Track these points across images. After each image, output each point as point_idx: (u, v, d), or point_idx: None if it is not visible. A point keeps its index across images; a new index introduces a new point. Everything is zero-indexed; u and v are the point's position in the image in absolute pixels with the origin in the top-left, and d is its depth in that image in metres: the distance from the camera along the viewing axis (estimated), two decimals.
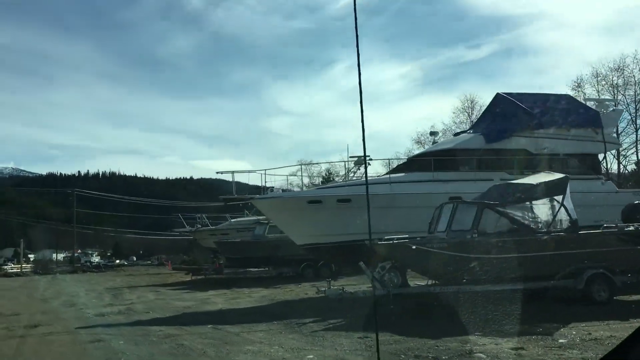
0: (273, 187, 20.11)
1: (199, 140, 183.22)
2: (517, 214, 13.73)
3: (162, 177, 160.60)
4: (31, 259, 69.36)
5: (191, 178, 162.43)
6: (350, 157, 31.18)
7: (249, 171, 19.36)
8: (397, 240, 14.03)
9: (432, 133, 20.90)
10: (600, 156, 20.80)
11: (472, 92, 53.74)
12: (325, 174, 51.14)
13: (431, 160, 19.09)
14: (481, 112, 43.00)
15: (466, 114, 42.06)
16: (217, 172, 19.16)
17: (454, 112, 43.96)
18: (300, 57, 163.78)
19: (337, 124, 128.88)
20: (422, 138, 44.15)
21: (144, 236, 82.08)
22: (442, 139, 38.50)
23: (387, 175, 18.99)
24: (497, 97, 21.05)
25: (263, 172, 19.21)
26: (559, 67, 74.45)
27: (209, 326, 13.52)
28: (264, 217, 33.13)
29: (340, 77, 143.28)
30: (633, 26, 65.76)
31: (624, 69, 35.66)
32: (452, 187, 18.53)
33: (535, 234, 13.64)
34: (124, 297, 23.33)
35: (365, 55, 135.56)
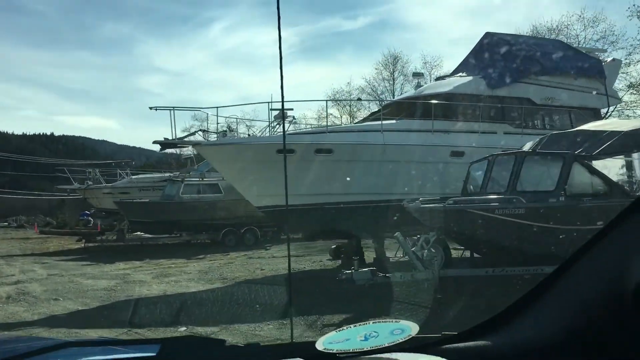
0: (226, 130, 15.01)
1: (62, 94, 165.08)
2: (609, 171, 10.07)
3: (18, 132, 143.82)
4: None
5: (52, 134, 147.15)
6: (272, 109, 26.83)
7: (196, 108, 14.14)
8: (449, 203, 9.86)
9: (416, 74, 16.70)
10: (602, 112, 17.87)
11: (395, 48, 48.80)
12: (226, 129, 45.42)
13: (425, 106, 14.95)
14: (405, 68, 39.70)
15: (388, 71, 38.69)
16: (151, 108, 13.73)
17: (376, 68, 40.32)
18: (176, 14, 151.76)
19: (213, 86, 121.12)
20: (338, 95, 40.14)
21: (4, 195, 71.05)
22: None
23: (378, 122, 14.58)
24: (488, 36, 17.34)
25: (214, 109, 14.13)
26: (427, 43, 73.90)
27: (182, 329, 8.58)
28: (176, 173, 27.57)
29: (218, 38, 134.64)
30: (493, 9, 67.10)
31: (565, 29, 33.39)
32: (454, 140, 14.61)
33: (629, 198, 10.06)
34: (2, 273, 17.17)
35: (243, 17, 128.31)
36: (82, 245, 25.31)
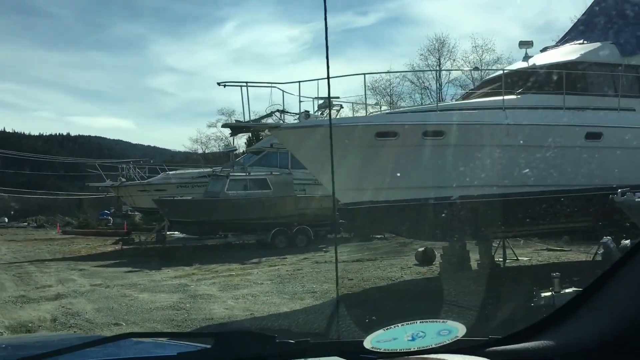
0: (307, 111, 12.22)
1: (77, 95, 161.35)
2: None
3: (34, 132, 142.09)
4: None
5: (68, 134, 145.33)
6: (315, 97, 24.36)
7: (269, 84, 11.34)
8: None
9: (524, 43, 13.70)
10: None
11: (441, 33, 43.75)
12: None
13: (545, 79, 12.05)
14: (452, 54, 36.31)
15: (435, 57, 35.51)
16: (219, 83, 10.95)
17: (421, 54, 36.81)
18: (188, 13, 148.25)
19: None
20: (377, 84, 36.81)
21: (23, 195, 68.82)
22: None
23: (495, 98, 11.68)
24: None
25: (295, 84, 11.33)
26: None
27: None
28: (219, 168, 24.81)
29: (230, 37, 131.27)
30: (505, 3, 64.77)
31: None
32: (590, 119, 11.72)
33: None
34: (37, 282, 14.52)
35: (255, 16, 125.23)
36: (119, 247, 22.55)
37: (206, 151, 48.84)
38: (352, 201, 11.69)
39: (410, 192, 11.22)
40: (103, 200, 49.66)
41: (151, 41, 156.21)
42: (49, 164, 79.34)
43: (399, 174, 11.08)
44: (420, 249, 14.61)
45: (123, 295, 12.02)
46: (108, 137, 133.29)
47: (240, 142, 48.78)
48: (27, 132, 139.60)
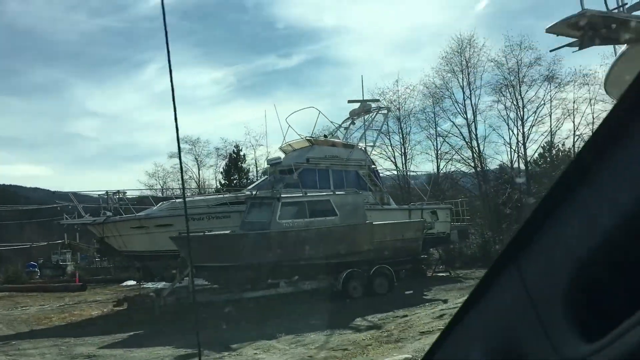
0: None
1: None
2: None
3: None
4: None
5: None
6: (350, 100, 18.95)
7: None
8: None
9: None
10: None
11: (467, 33, 35.80)
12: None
13: None
14: (480, 54, 30.45)
15: (463, 58, 29.59)
16: None
17: (442, 58, 30.37)
18: (109, 57, 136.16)
19: (149, 127, 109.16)
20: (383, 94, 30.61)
21: None
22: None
23: None
24: None
25: None
26: (362, 78, 71.89)
27: None
28: (255, 190, 17.84)
29: (152, 80, 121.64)
30: (422, 44, 66.65)
31: None
32: None
33: None
34: None
35: (177, 59, 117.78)
36: (122, 307, 14.81)
37: (165, 187, 40.53)
38: None
39: None
40: (24, 251, 42.19)
41: (70, 85, 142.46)
42: None
43: None
44: None
45: None
46: (25, 186, 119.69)
47: (208, 173, 41.56)
48: None
